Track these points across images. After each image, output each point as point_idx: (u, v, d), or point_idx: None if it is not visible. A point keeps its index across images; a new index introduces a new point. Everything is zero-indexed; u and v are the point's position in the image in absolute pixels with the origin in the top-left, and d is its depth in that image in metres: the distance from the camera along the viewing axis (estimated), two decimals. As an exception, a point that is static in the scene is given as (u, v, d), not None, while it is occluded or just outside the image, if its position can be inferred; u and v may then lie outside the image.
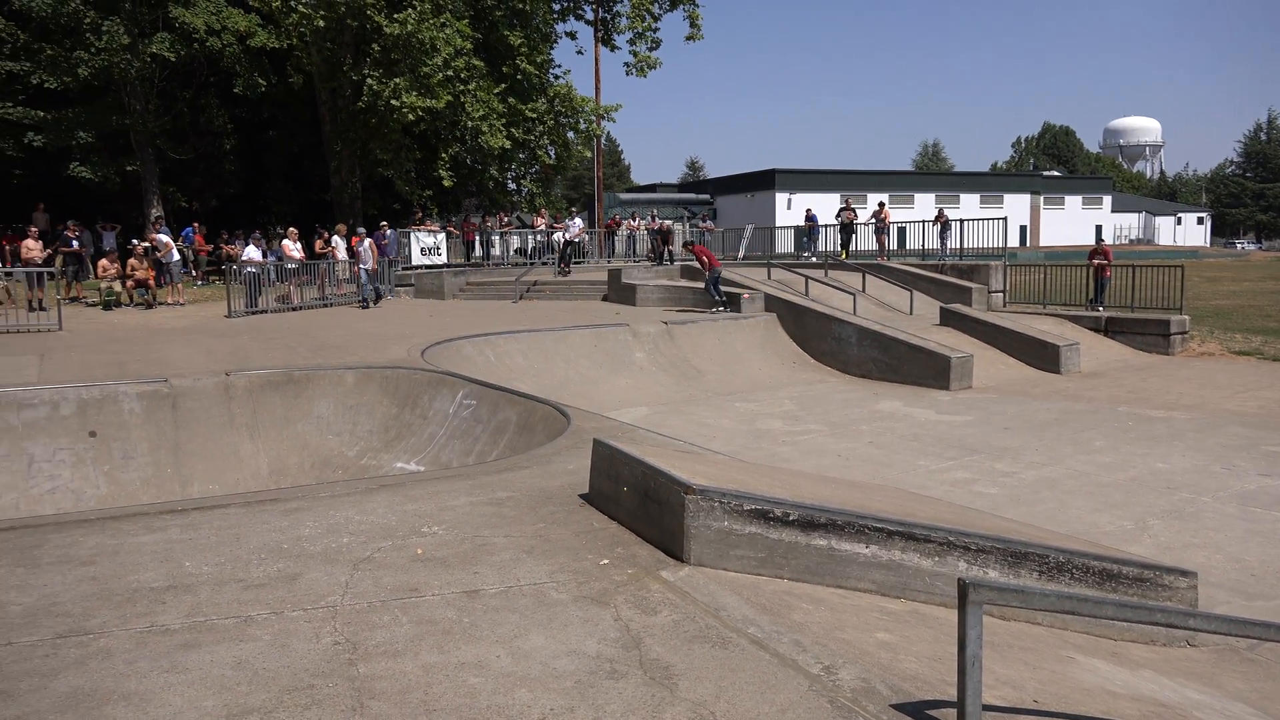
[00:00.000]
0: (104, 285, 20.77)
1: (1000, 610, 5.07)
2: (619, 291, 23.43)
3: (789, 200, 56.09)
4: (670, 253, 28.35)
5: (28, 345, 14.89)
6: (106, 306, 20.31)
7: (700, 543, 4.97)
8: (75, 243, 22.08)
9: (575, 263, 28.13)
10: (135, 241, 23.89)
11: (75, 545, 5.46)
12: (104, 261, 21.73)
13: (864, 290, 22.37)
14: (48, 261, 20.37)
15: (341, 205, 29.94)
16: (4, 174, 32.84)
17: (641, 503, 5.50)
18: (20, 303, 17.99)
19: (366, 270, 22.01)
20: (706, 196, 60.20)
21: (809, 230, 31.30)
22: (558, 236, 28.58)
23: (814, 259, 29.05)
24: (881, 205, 28.29)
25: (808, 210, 32.69)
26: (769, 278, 23.15)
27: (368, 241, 22.38)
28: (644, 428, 9.48)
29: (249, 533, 5.68)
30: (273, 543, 5.45)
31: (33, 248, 20.22)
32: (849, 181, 59.08)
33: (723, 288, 21.19)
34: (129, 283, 20.85)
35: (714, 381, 16.84)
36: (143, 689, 3.64)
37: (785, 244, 33.93)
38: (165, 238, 22.22)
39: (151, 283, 21.08)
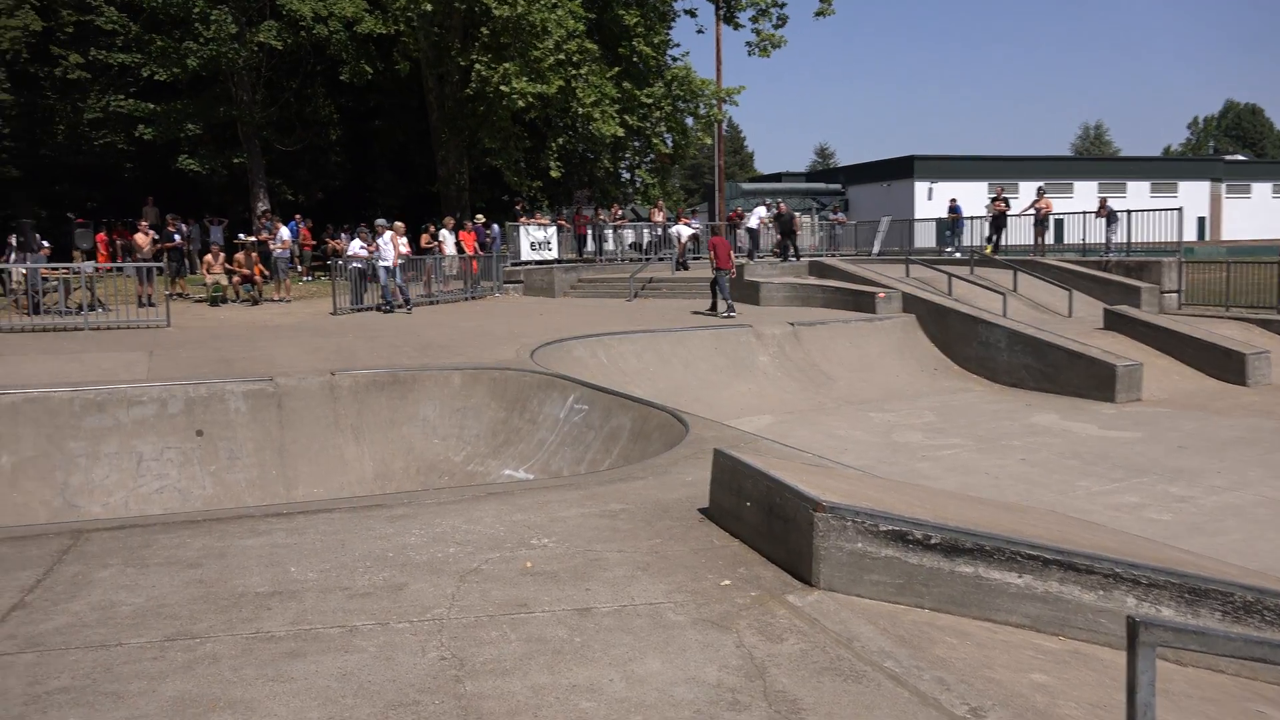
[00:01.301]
0: (210, 280, 21.87)
1: (1175, 654, 4.83)
2: (741, 289, 23.31)
3: (930, 190, 54.85)
4: (797, 248, 28.11)
5: (137, 341, 15.79)
6: (213, 302, 21.37)
7: (830, 565, 4.90)
8: (177, 236, 23.29)
9: (694, 258, 28.17)
10: (241, 236, 25.09)
11: (182, 547, 5.76)
12: (209, 256, 22.89)
13: (1015, 289, 21.70)
14: (156, 256, 21.55)
15: (449, 197, 30.73)
16: (115, 167, 35.04)
17: (766, 520, 5.46)
18: (130, 298, 19.09)
19: (386, 268, 20.71)
20: (838, 186, 59.42)
21: (952, 223, 30.54)
22: (676, 230, 28.68)
23: (958, 254, 28.34)
24: (1040, 193, 27.28)
25: (951, 201, 31.91)
26: (907, 275, 22.70)
27: (387, 234, 20.91)
28: (768, 438, 9.41)
29: (354, 539, 5.88)
30: (378, 550, 5.63)
31: (143, 242, 21.46)
32: (998, 169, 57.39)
33: (845, 284, 20.87)
34: (234, 278, 21.88)
35: (845, 389, 16.60)
36: (248, 697, 3.81)
37: (925, 238, 33.17)
38: (286, 233, 23.25)
39: (258, 278, 22.08)
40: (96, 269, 20.35)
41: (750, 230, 28.24)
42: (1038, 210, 26.70)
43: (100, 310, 18.65)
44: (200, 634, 4.41)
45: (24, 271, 18.84)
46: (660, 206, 30.78)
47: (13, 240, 20.95)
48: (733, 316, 19.61)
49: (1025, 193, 40.01)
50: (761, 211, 29.03)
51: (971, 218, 30.22)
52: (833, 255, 29.70)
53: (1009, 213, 28.08)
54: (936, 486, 9.33)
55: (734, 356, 16.93)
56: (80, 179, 35.11)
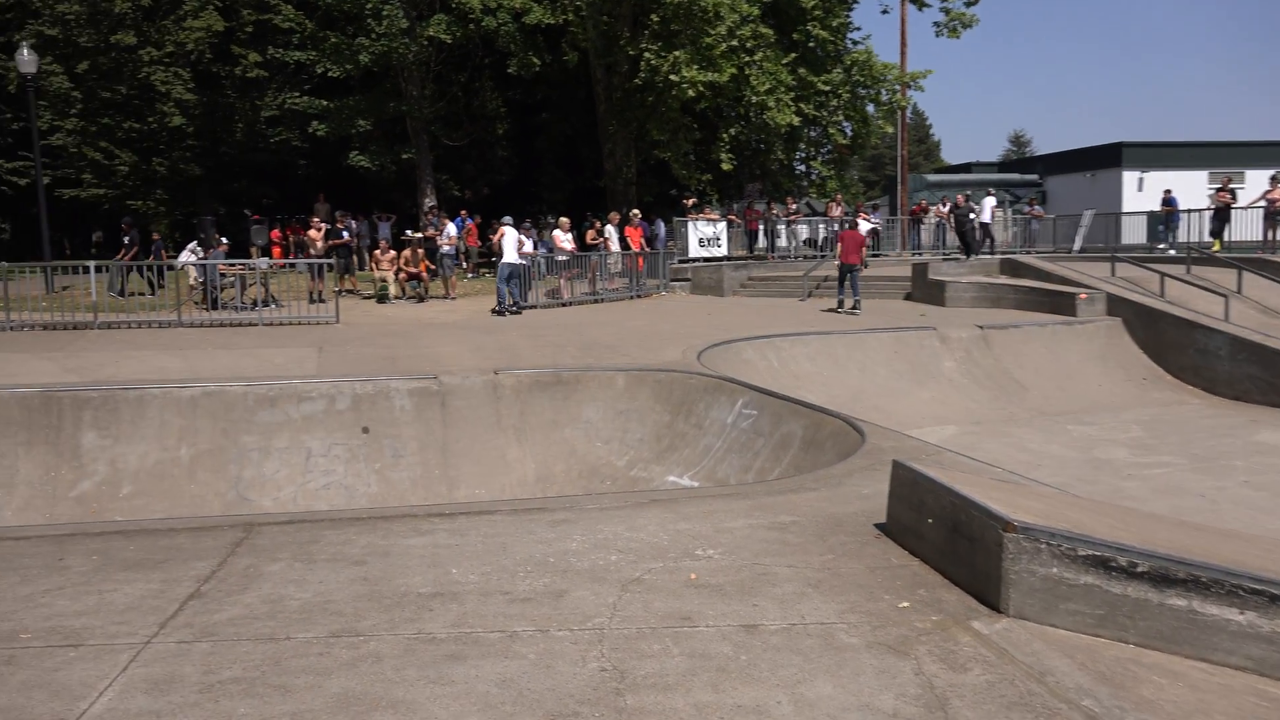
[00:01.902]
0: (378, 277, 22.91)
1: None
2: (925, 289, 22.79)
3: (1140, 180, 52.09)
4: (992, 241, 27.26)
5: (308, 337, 16.71)
6: (380, 299, 22.38)
7: (1021, 591, 4.73)
8: (345, 233, 24.48)
9: (874, 255, 27.68)
10: (408, 232, 26.19)
11: (348, 544, 6.06)
12: (377, 252, 23.99)
13: (1239, 291, 20.36)
14: (327, 253, 22.75)
15: (615, 192, 31.19)
16: (289, 164, 37.22)
17: (949, 538, 5.32)
18: (302, 294, 20.20)
19: (509, 265, 20.58)
20: (1034, 177, 57.17)
21: (1166, 216, 28.93)
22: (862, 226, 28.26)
23: (1172, 251, 26.81)
24: (1274, 182, 25.43)
25: (1166, 192, 30.22)
26: (1113, 274, 21.65)
27: (508, 230, 20.86)
28: (952, 450, 9.16)
29: (515, 543, 6.05)
30: (539, 555, 5.78)
31: (316, 238, 22.69)
32: (1219, 156, 53.96)
33: (1041, 283, 20.06)
34: (401, 275, 22.84)
35: (1039, 398, 16.00)
36: (409, 698, 3.97)
37: (1134, 233, 31.55)
38: (453, 229, 24.16)
39: (424, 275, 22.99)
40: (271, 265, 21.64)
41: (984, 224, 27.43)
42: (1270, 202, 24.93)
43: (273, 306, 19.82)
44: (364, 632, 4.63)
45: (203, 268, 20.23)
46: (837, 200, 30.37)
47: (197, 242, 22.52)
48: (856, 314, 20.20)
49: (1254, 183, 37.46)
50: (991, 202, 28.11)
51: (1189, 210, 28.54)
52: (1028, 252, 28.62)
53: (1234, 205, 26.35)
54: (1144, 509, 8.87)
55: (916, 361, 16.56)
56: (257, 176, 37.47)
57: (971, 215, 27.69)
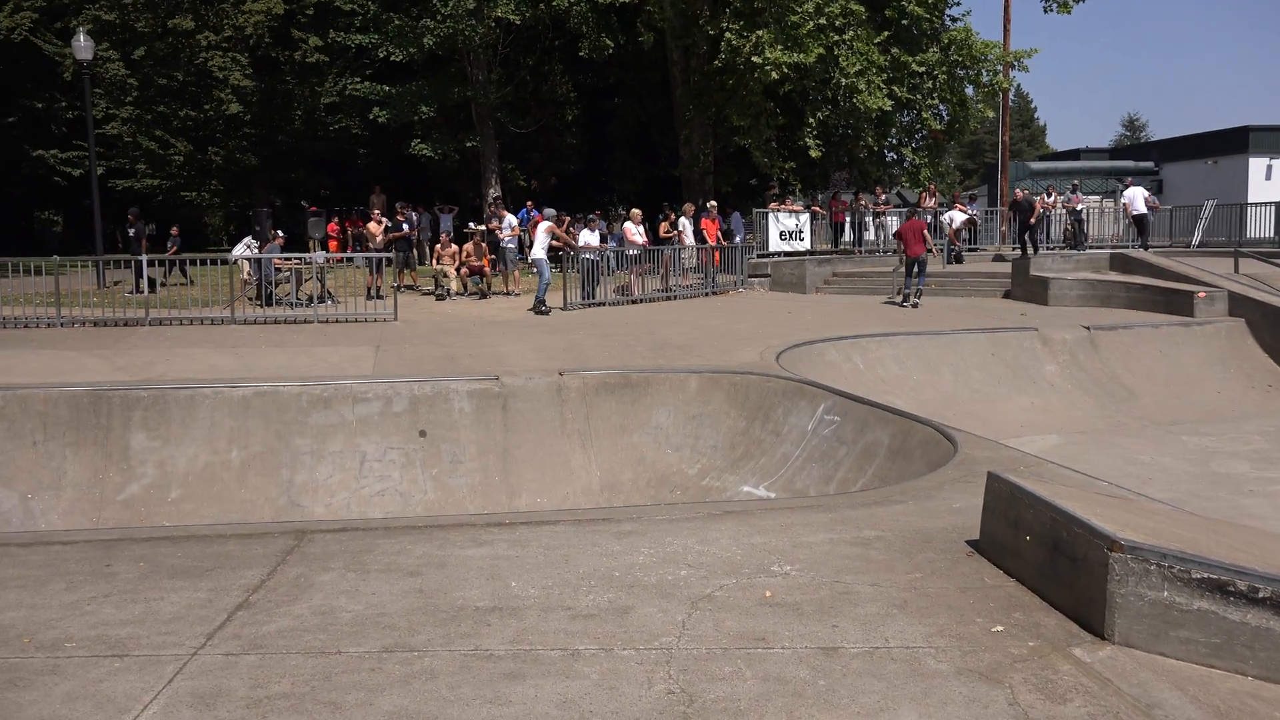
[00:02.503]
0: (438, 272, 23.18)
1: None
2: (1026, 286, 22.41)
3: (1269, 167, 50.62)
4: (1035, 242, 26.67)
5: (364, 335, 16.98)
6: (440, 295, 22.64)
7: (1128, 616, 4.63)
8: (406, 225, 24.80)
9: (969, 249, 27.29)
10: (471, 225, 26.46)
11: (403, 554, 6.14)
12: (439, 246, 24.27)
13: (1380, 290, 19.71)
14: (386, 246, 23.08)
15: (690, 181, 31.18)
16: (349, 153, 37.87)
17: (1049, 558, 5.22)
18: (359, 289, 20.52)
19: (541, 260, 20.73)
20: (1149, 164, 55.91)
21: (1297, 207, 28.09)
22: (947, 217, 27.90)
23: (1304, 246, 26.02)
24: None
25: (1296, 180, 29.33)
26: (1235, 271, 21.08)
27: (510, 220, 21.35)
28: (1054, 461, 9.00)
29: (578, 555, 6.07)
30: (603, 569, 5.79)
31: (375, 231, 23.03)
32: (1360, 140, 52.22)
33: (1154, 280, 19.60)
34: (463, 270, 23.09)
35: (1151, 406, 15.66)
36: (465, 718, 4.00)
37: (1261, 226, 30.65)
38: (514, 221, 24.36)
39: (487, 270, 23.21)
40: (328, 259, 22.02)
41: (1137, 217, 26.89)
42: None
43: (330, 302, 20.16)
44: (418, 647, 4.68)
45: (257, 261, 20.65)
46: (932, 190, 29.98)
47: (252, 235, 23.00)
48: (915, 306, 21.18)
49: (1397, 170, 36.21)
50: (1141, 193, 27.48)
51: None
52: (1140, 246, 27.98)
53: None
54: (1267, 529, 8.62)
55: (1014, 365, 16.30)
56: (315, 166, 38.18)
57: (1043, 208, 27.24)
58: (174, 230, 26.19)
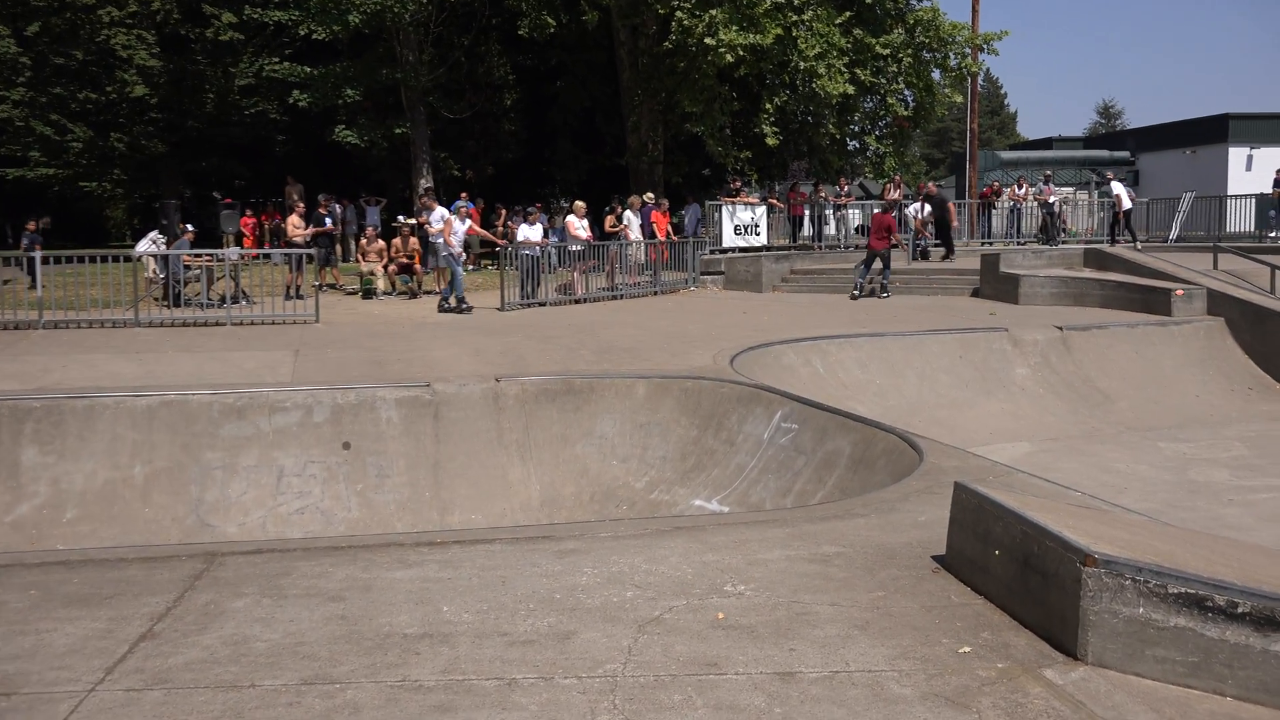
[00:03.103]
0: (364, 270, 23.01)
1: None
2: (996, 284, 22.69)
3: (1249, 157, 51.68)
4: (951, 243, 27.17)
5: (282, 339, 16.80)
6: (366, 294, 22.48)
7: (1102, 635, 4.69)
8: (329, 220, 24.59)
9: (936, 245, 27.59)
10: (400, 218, 26.30)
11: (324, 577, 6.08)
12: (364, 241, 24.08)
13: (1365, 287, 20.18)
14: (308, 242, 22.85)
15: (639, 172, 31.24)
16: (266, 140, 37.51)
17: (1019, 573, 5.28)
18: (277, 288, 20.31)
19: (451, 255, 20.90)
20: (1125, 154, 56.86)
21: (1279, 200, 28.68)
22: (912, 209, 28.17)
23: (1286, 241, 26.59)
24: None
25: (1279, 172, 29.99)
26: (1214, 267, 21.49)
27: (438, 212, 21.65)
28: (1025, 470, 9.11)
29: (516, 576, 6.05)
30: (543, 590, 5.77)
31: (295, 225, 22.80)
32: (1344, 129, 53.45)
33: (1130, 277, 19.96)
34: (391, 268, 22.94)
35: (1127, 411, 15.91)
36: (390, 755, 3.97)
37: (1242, 219, 31.27)
38: (444, 213, 24.13)
39: (418, 268, 23.08)
40: (242, 256, 21.78)
41: (1127, 212, 27.38)
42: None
43: (244, 303, 19.95)
44: (341, 679, 4.63)
45: (163, 259, 20.33)
46: (897, 181, 30.28)
47: (159, 229, 22.59)
48: (885, 296, 22.82)
49: (1382, 160, 37.12)
50: (1125, 187, 27.98)
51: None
52: (1116, 242, 28.43)
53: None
54: (1247, 540, 8.78)
55: (984, 368, 16.49)
56: (228, 154, 37.77)
57: (1013, 200, 27.76)
58: (31, 225, 25.37)
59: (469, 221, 22.02)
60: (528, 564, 6.31)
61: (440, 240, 23.07)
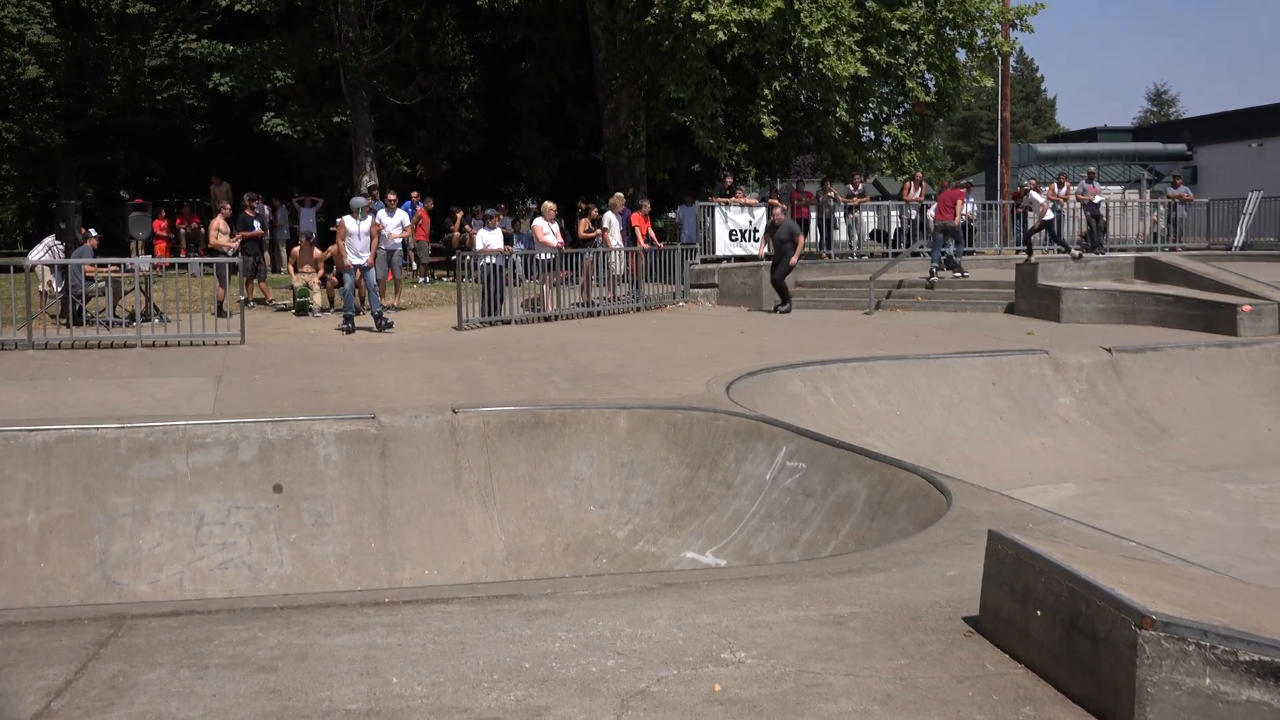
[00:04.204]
0: (298, 283, 22.97)
1: None
2: (1033, 298, 22.78)
3: (1326, 151, 52.15)
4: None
5: (203, 362, 16.75)
6: (301, 310, 22.44)
7: (1162, 710, 4.69)
8: (257, 223, 24.54)
9: (966, 252, 27.72)
10: (340, 221, 26.26)
11: (252, 643, 6.04)
12: (296, 249, 24.05)
13: None
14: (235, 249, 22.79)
15: (618, 168, 31.32)
16: (182, 130, 37.48)
17: (1065, 637, 5.28)
18: (196, 303, 20.22)
19: (360, 266, 20.59)
20: (1181, 147, 57.30)
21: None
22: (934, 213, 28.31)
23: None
24: None
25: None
26: (1289, 279, 21.63)
27: (368, 220, 20.87)
28: (1069, 516, 9.12)
29: (478, 641, 6.02)
30: (510, 659, 5.75)
31: (222, 230, 22.71)
32: None
33: (1189, 291, 20.07)
34: (330, 280, 22.91)
35: (1188, 446, 15.93)
36: None
37: (1318, 223, 31.49)
38: (403, 217, 24.07)
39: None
40: (155, 266, 21.67)
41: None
42: None
43: (157, 321, 19.86)
44: (271, 763, 4.61)
45: (61, 269, 20.21)
46: (917, 178, 30.41)
47: (55, 234, 22.34)
48: (963, 275, 25.76)
49: None
50: (1039, 197, 28.44)
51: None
52: (1173, 249, 28.65)
53: None
54: (1330, 597, 8.81)
55: (1020, 396, 16.51)
56: (137, 146, 37.71)
57: (1052, 201, 28.09)
58: None
59: (371, 219, 21.15)
60: (491, 627, 6.28)
61: (397, 246, 22.98)
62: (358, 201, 21.62)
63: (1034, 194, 27.99)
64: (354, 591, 9.37)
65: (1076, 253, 26.21)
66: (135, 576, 10.86)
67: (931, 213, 26.55)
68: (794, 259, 24.34)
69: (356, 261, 20.38)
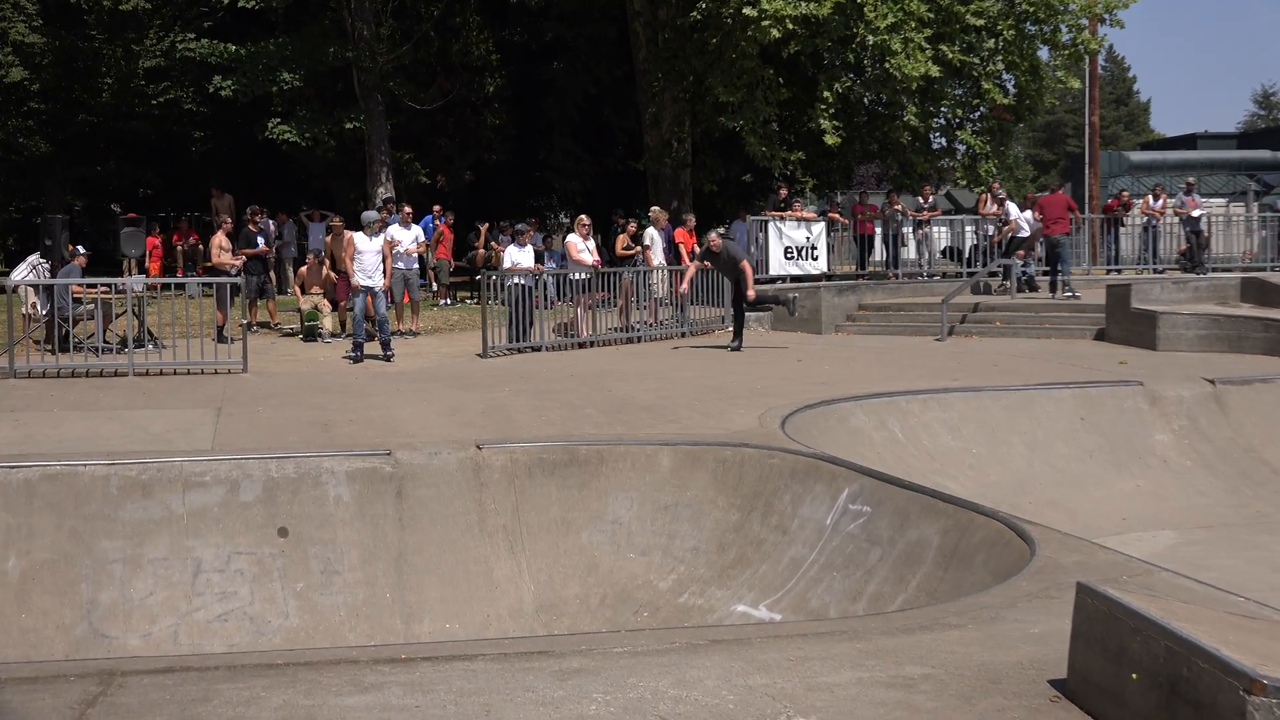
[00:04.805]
0: (306, 306, 23.09)
1: None
2: (1127, 324, 22.63)
3: None
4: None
5: (201, 393, 16.85)
6: (309, 335, 22.55)
7: (1276, 785, 4.64)
8: (261, 240, 24.70)
9: (1045, 274, 27.59)
10: (347, 236, 26.38)
11: (255, 704, 6.05)
12: (303, 269, 24.14)
13: None
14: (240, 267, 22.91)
15: (660, 178, 31.37)
16: (179, 138, 37.84)
17: (1164, 702, 5.23)
18: (195, 328, 20.32)
19: (371, 290, 20.72)
20: (1292, 155, 56.93)
21: None
22: (1015, 222, 28.15)
23: None
24: None
25: None
26: None
27: (380, 237, 21.01)
28: (1169, 568, 9.03)
29: (504, 704, 6.01)
30: (540, 723, 5.74)
31: (225, 247, 22.84)
32: None
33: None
34: (341, 303, 23.00)
35: (1303, 490, 15.77)
36: None
37: None
38: (417, 232, 24.17)
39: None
40: (149, 286, 21.81)
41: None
42: None
43: (152, 347, 20.00)
44: (275, 837, 4.61)
45: (45, 291, 20.37)
46: (995, 188, 30.28)
47: (40, 252, 22.43)
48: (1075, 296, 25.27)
49: None
50: (1015, 211, 28.42)
51: None
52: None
53: None
54: None
55: (1112, 433, 16.38)
56: (131, 155, 38.05)
57: (1146, 214, 28.08)
58: None
59: (384, 236, 21.40)
60: (519, 688, 6.27)
61: (414, 264, 23.03)
62: (369, 216, 21.74)
63: (1009, 205, 28.03)
64: (367, 647, 9.37)
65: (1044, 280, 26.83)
66: (126, 629, 10.91)
67: (1019, 223, 26.60)
68: (749, 289, 21.88)
69: (366, 283, 20.43)
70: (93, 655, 10.08)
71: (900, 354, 21.50)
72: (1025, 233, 27.49)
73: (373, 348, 20.74)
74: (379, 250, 20.51)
